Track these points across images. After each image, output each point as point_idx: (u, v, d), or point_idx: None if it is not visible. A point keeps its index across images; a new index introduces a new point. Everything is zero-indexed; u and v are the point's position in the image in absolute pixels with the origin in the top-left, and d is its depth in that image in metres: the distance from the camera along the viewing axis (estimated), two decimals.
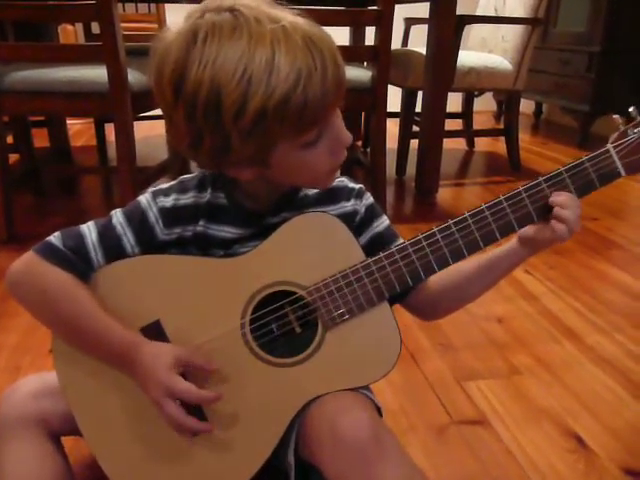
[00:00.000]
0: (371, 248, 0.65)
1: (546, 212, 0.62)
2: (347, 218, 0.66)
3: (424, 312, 0.73)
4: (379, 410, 0.68)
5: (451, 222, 0.63)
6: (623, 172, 0.63)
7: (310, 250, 0.63)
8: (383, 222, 0.70)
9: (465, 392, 1.00)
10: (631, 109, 0.62)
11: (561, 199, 0.61)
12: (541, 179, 0.62)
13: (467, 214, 0.63)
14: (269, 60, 0.50)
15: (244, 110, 0.51)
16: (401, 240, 0.69)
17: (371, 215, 0.69)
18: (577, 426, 0.92)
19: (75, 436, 0.66)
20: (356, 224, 0.68)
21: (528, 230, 0.63)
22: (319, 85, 0.52)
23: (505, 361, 1.09)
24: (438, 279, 0.69)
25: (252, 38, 0.51)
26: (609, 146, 0.63)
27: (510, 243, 0.66)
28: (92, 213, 0.57)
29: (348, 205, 0.68)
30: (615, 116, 0.64)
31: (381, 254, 0.63)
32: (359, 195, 0.69)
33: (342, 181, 0.69)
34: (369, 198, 0.70)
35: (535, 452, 0.86)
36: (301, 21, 0.54)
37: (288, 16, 0.54)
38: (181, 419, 0.58)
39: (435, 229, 0.63)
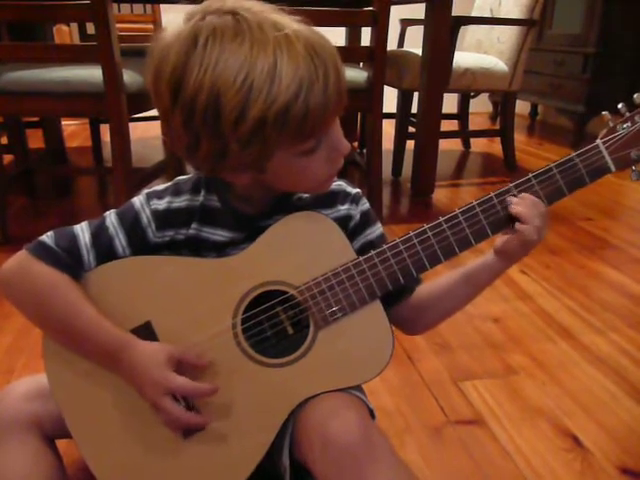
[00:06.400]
0: (361, 256, 0.64)
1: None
2: (341, 222, 0.65)
3: (408, 326, 0.72)
4: (372, 412, 0.67)
5: (442, 219, 0.63)
6: (613, 167, 0.63)
7: (301, 249, 0.63)
8: (376, 230, 0.70)
9: (461, 392, 0.99)
10: (620, 105, 0.63)
11: (515, 200, 0.62)
12: (531, 175, 0.63)
13: (458, 211, 0.63)
14: (271, 68, 0.50)
15: (243, 118, 0.50)
16: None
17: (365, 222, 0.69)
18: (573, 425, 0.91)
19: (69, 438, 0.66)
20: (350, 229, 0.68)
21: (500, 240, 0.64)
22: (320, 95, 0.52)
23: (501, 361, 1.09)
24: (422, 294, 0.69)
25: (254, 45, 0.50)
26: (598, 142, 0.63)
27: (486, 256, 0.66)
28: (87, 214, 0.57)
29: (343, 209, 0.68)
30: (604, 113, 0.64)
31: (372, 252, 0.62)
32: (355, 200, 0.69)
33: (340, 185, 0.69)
34: (365, 204, 0.70)
35: (531, 452, 0.86)
36: (304, 29, 0.53)
37: (291, 23, 0.53)
38: (180, 415, 0.58)
39: (426, 227, 0.63)
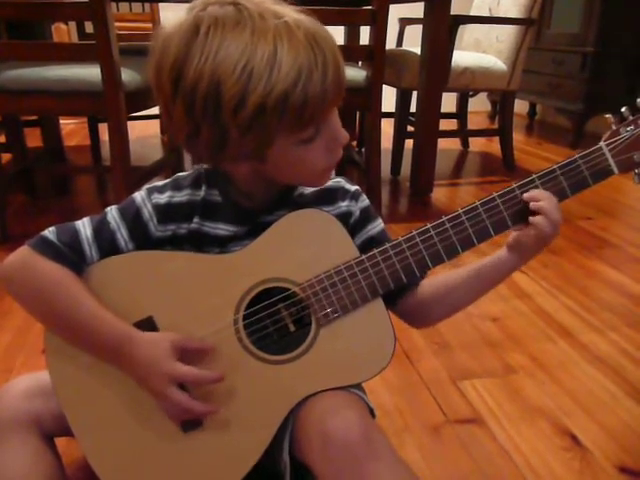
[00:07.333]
0: (363, 251, 0.64)
1: (526, 214, 0.62)
2: (342, 219, 0.65)
3: (415, 318, 0.72)
4: (372, 411, 0.67)
5: (445, 219, 0.63)
6: (616, 170, 0.63)
7: (304, 247, 0.63)
8: (377, 226, 0.70)
9: (460, 391, 1.00)
10: (624, 109, 0.63)
11: (533, 193, 0.61)
12: (535, 176, 0.63)
13: (461, 211, 0.63)
14: (271, 56, 0.50)
15: (243, 105, 0.51)
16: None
17: (366, 218, 0.69)
18: (572, 425, 0.92)
19: (68, 437, 0.66)
20: (350, 226, 0.68)
21: (514, 235, 0.63)
22: (319, 83, 0.52)
23: (500, 360, 1.09)
24: (429, 286, 0.69)
25: (255, 33, 0.51)
26: (602, 144, 0.63)
27: (499, 252, 0.66)
28: (85, 213, 0.56)
29: (343, 206, 0.68)
30: (608, 115, 0.64)
31: (375, 251, 0.62)
32: (355, 197, 0.69)
33: (338, 182, 0.69)
34: (364, 200, 0.70)
35: (530, 451, 0.86)
36: (304, 18, 0.54)
37: (292, 13, 0.54)
38: (189, 404, 0.58)
39: (429, 226, 0.63)
